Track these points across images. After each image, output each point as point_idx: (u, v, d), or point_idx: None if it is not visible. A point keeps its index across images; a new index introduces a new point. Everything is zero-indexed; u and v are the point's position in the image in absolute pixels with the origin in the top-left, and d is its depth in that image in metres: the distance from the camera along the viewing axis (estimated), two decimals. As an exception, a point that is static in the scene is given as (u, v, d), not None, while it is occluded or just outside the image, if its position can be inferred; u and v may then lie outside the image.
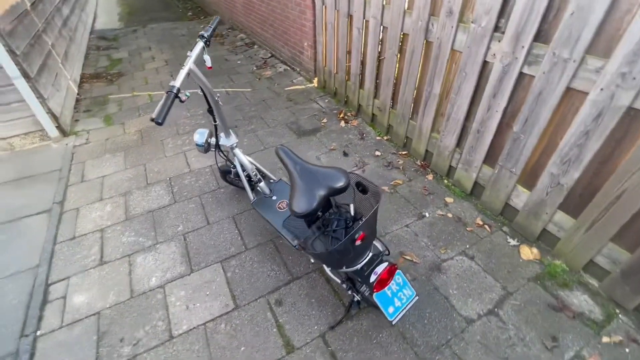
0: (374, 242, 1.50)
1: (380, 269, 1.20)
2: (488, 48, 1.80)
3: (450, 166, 2.38)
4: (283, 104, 3.59)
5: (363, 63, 2.93)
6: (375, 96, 2.94)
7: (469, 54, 1.91)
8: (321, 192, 1.06)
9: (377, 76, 2.82)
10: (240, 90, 3.91)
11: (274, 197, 1.91)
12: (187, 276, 1.86)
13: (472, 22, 1.82)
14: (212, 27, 1.45)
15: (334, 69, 3.42)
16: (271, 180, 2.04)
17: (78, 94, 3.83)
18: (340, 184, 1.09)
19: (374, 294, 1.22)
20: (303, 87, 3.95)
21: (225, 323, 1.64)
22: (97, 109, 3.61)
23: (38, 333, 1.62)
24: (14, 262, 1.96)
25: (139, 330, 1.62)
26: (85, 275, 1.88)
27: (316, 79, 3.88)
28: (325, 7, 3.17)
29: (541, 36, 1.57)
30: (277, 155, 1.27)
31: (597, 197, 1.55)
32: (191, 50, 1.32)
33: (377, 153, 2.76)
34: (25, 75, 2.63)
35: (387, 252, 1.53)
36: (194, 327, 1.63)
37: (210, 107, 1.58)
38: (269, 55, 4.94)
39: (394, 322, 1.28)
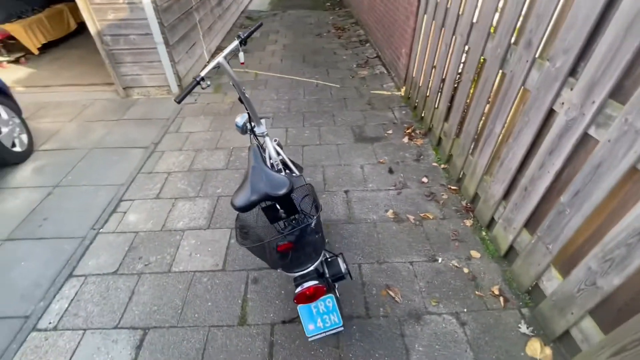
0: (340, 263, 1.50)
1: (308, 284, 1.23)
2: (558, 94, 1.47)
3: (492, 218, 2.05)
4: (360, 106, 3.62)
5: (443, 82, 2.71)
6: (446, 119, 2.69)
7: (537, 96, 1.59)
8: (255, 196, 1.15)
9: (452, 99, 2.57)
10: (329, 85, 4.10)
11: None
12: (202, 230, 2.22)
13: (547, 59, 1.51)
14: (251, 30, 1.64)
15: (420, 81, 3.24)
16: (293, 175, 2.19)
17: (207, 62, 4.71)
18: (276, 192, 1.14)
19: (298, 306, 1.26)
20: (389, 93, 3.87)
21: (208, 278, 1.93)
22: (215, 77, 4.38)
23: (101, 230, 2.24)
24: (111, 177, 2.69)
25: (153, 256, 2.06)
26: (143, 202, 2.44)
27: (404, 88, 3.74)
28: (427, 16, 3.00)
29: (621, 94, 1.21)
30: (249, 150, 1.38)
31: (637, 318, 1.15)
32: (226, 48, 1.54)
33: (425, 180, 2.56)
34: (166, 42, 3.42)
35: (349, 276, 1.51)
36: (186, 271, 1.96)
37: (240, 97, 1.80)
38: (375, 55, 4.95)
39: (310, 339, 1.30)
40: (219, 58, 1.52)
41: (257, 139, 2.12)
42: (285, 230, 1.36)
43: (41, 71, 4.54)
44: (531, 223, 1.72)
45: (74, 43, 5.50)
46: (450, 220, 2.23)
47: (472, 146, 2.30)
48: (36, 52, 4.87)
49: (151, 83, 3.73)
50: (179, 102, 1.42)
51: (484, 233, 2.12)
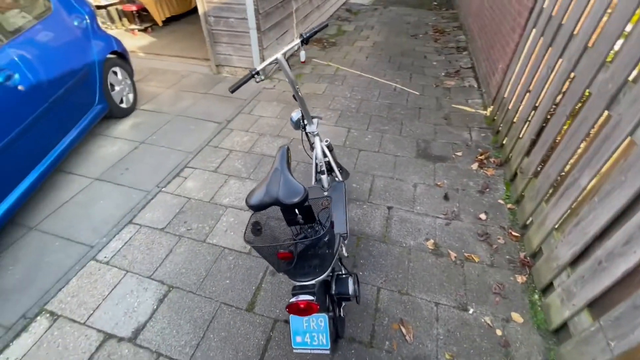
0: (350, 283, 1.43)
1: (302, 297, 1.19)
2: (674, 158, 1.12)
3: (551, 283, 1.71)
4: (435, 119, 3.35)
5: (535, 110, 2.31)
6: (527, 153, 2.31)
7: (644, 154, 1.24)
8: (267, 199, 1.14)
9: (540, 131, 2.18)
10: (408, 91, 3.87)
11: (325, 194, 2.03)
12: (243, 211, 2.35)
13: (671, 110, 1.15)
14: (315, 30, 1.60)
15: (510, 104, 2.83)
16: (336, 179, 2.14)
17: (296, 51, 4.87)
18: (288, 199, 1.11)
19: (290, 315, 1.24)
20: (472, 110, 3.48)
21: (233, 257, 2.04)
22: (299, 66, 4.51)
23: (163, 189, 2.54)
24: (184, 144, 3.02)
25: (195, 224, 2.26)
26: (201, 173, 2.69)
27: (491, 108, 3.32)
28: (535, 30, 2.58)
29: None
30: (278, 150, 1.36)
31: None
32: (287, 44, 1.55)
33: (483, 216, 2.26)
34: (258, 28, 3.63)
35: (356, 300, 1.44)
36: (218, 245, 2.11)
37: (294, 95, 1.81)
38: (469, 65, 4.48)
39: (294, 350, 1.27)
40: (278, 55, 1.54)
41: (308, 137, 2.13)
42: (299, 236, 1.34)
43: (159, 40, 5.29)
44: (596, 306, 1.39)
45: (190, 19, 6.23)
46: (499, 271, 1.94)
47: (548, 192, 1.93)
48: (160, 24, 5.67)
49: (239, 64, 4.03)
50: (232, 92, 1.49)
51: (536, 297, 1.79)
